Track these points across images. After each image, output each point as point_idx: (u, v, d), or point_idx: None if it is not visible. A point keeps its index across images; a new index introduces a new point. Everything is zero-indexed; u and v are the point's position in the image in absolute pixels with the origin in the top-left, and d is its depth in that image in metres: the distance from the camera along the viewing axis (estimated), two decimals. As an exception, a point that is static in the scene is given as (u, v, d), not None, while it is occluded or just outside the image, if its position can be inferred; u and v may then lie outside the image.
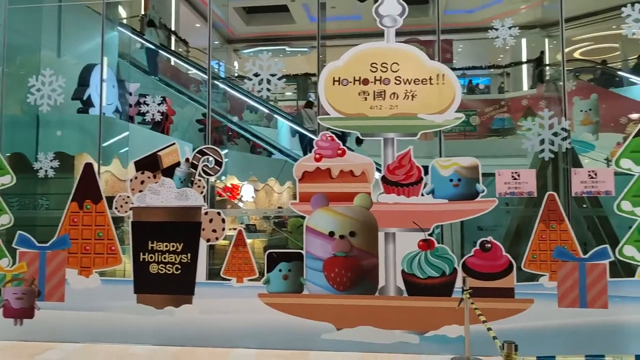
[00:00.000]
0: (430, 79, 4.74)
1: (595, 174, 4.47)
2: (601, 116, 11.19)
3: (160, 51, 10.75)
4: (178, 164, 5.02)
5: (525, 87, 15.89)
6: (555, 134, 4.57)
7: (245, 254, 4.88)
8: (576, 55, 17.55)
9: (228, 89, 11.20)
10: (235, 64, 18.62)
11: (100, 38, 5.65)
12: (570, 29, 16.64)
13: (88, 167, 5.13)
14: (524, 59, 16.41)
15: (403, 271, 4.57)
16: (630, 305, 4.29)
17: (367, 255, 4.58)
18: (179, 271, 4.90)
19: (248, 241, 5.05)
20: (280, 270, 4.73)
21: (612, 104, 11.88)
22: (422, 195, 4.60)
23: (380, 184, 4.67)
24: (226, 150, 9.11)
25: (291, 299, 4.66)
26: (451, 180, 4.58)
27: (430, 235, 4.56)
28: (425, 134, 4.76)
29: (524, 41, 16.57)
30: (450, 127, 4.76)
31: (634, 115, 9.53)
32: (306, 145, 9.29)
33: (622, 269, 4.46)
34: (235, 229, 5.41)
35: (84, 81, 6.55)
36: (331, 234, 4.61)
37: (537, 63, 14.88)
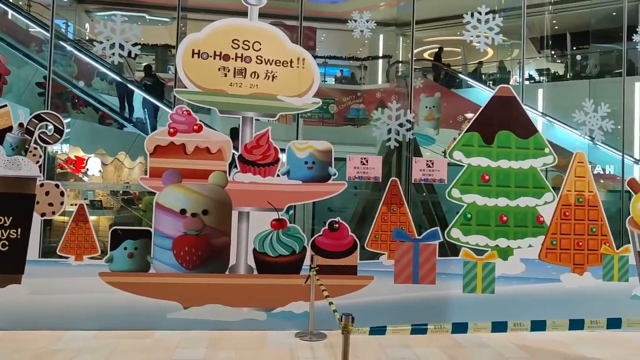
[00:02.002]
0: (291, 61, 4.81)
1: (432, 164, 4.94)
2: (442, 113, 12.34)
3: (-7, 1, 9.41)
4: (10, 129, 4.47)
5: (380, 80, 16.91)
6: (401, 125, 4.93)
7: (87, 231, 4.53)
8: (425, 55, 19.08)
9: (76, 52, 10.20)
10: (87, 26, 17.02)
11: None
12: (422, 31, 18.03)
13: None
14: (381, 54, 17.44)
15: (255, 250, 4.62)
16: (454, 281, 4.84)
17: (219, 233, 4.55)
18: (6, 247, 4.39)
19: (92, 218, 4.69)
20: (125, 249, 4.49)
21: (452, 103, 13.17)
22: (278, 175, 4.68)
23: (237, 162, 4.65)
24: (69, 119, 8.31)
25: (136, 277, 4.45)
26: (306, 162, 4.73)
27: (283, 214, 4.67)
28: (285, 117, 4.83)
29: (381, 37, 17.59)
30: (307, 110, 4.89)
31: (469, 114, 10.69)
32: (122, 95, 8.95)
33: (449, 249, 5.00)
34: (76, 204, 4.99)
35: None
36: (183, 211, 4.48)
37: (390, 59, 15.91)
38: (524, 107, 5.06)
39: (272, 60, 4.77)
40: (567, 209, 4.97)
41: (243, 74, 4.71)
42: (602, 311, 4.69)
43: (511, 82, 15.92)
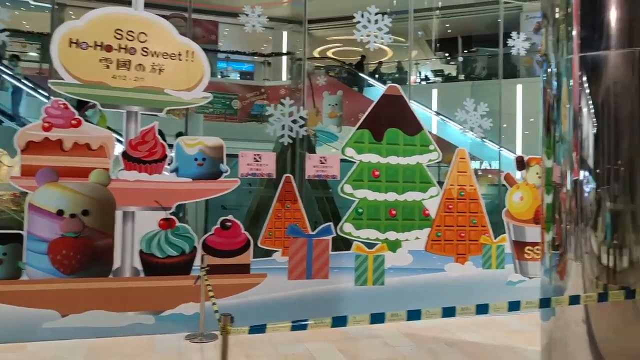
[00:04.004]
0: (180, 54, 4.63)
1: (325, 160, 5.00)
2: (344, 111, 12.59)
3: None
4: None
5: (284, 77, 16.93)
6: (294, 122, 4.94)
7: (-51, 236, 4.07)
8: (329, 54, 19.40)
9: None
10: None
11: None
12: (325, 29, 18.31)
13: None
14: (284, 50, 17.46)
15: (141, 251, 4.41)
16: (346, 274, 4.94)
17: (101, 235, 4.28)
18: None
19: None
20: (-8, 254, 4.09)
21: (353, 101, 13.50)
22: (166, 173, 4.50)
23: (121, 159, 4.40)
24: None
25: (5, 285, 4.07)
26: (196, 159, 4.58)
27: (172, 214, 4.49)
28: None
29: (285, 34, 17.61)
30: (197, 105, 4.75)
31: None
32: None
33: (342, 244, 5.09)
34: None
35: None
36: (60, 212, 4.17)
37: (294, 56, 15.96)
38: (411, 105, 5.26)
39: (159, 52, 4.57)
40: (450, 202, 5.26)
41: (127, 66, 4.47)
42: (482, 297, 5.00)
43: (409, 82, 16.70)
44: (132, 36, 4.49)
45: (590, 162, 3.41)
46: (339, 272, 4.92)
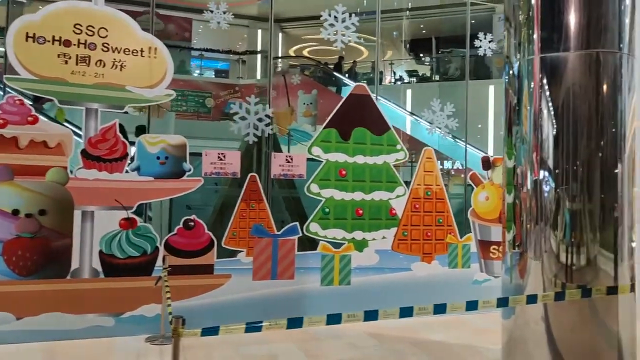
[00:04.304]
0: (142, 50, 4.53)
1: (291, 159, 4.96)
2: (319, 110, 12.57)
3: None
4: None
5: (258, 75, 16.82)
6: (260, 120, 4.88)
7: None
8: (305, 53, 19.35)
9: None
10: None
11: None
12: (301, 28, 18.26)
13: None
14: (259, 49, 17.35)
15: (101, 251, 4.30)
16: (312, 274, 4.91)
17: (58, 235, 4.17)
18: None
19: None
20: (-58, 255, 3.95)
21: (328, 101, 13.47)
22: (127, 171, 4.40)
23: (80, 157, 4.29)
24: None
25: (-45, 288, 3.93)
26: (158, 157, 4.49)
27: (134, 213, 4.40)
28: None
29: (259, 32, 17.50)
30: (160, 102, 4.66)
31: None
32: None
33: (309, 244, 5.06)
34: None
35: None
36: (15, 212, 4.05)
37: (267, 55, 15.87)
38: (378, 104, 5.26)
39: (121, 48, 4.46)
40: (417, 201, 5.27)
41: (87, 61, 4.35)
42: (448, 296, 5.01)
43: (384, 82, 16.76)
44: (92, 31, 4.38)
45: (550, 162, 3.46)
46: (304, 273, 4.89)
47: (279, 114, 13.90)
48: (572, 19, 3.46)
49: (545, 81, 3.54)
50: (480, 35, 5.82)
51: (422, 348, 4.26)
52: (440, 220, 5.34)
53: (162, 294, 4.19)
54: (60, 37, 4.29)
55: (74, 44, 4.33)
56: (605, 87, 3.47)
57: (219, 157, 4.68)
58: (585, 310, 3.41)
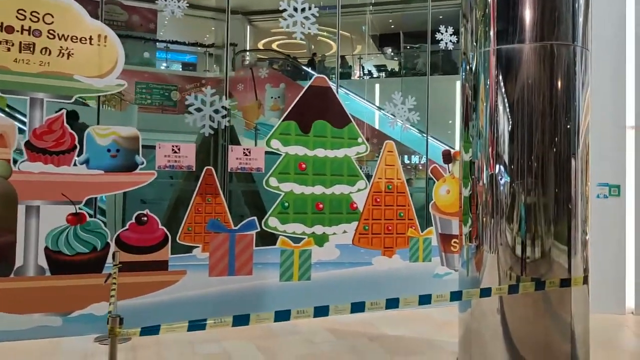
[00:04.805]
0: (91, 38, 4.34)
1: (249, 152, 4.84)
2: (287, 104, 12.42)
3: None
4: None
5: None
6: (217, 112, 4.75)
7: None
8: (274, 46, 19.15)
9: None
10: None
11: None
12: (270, 21, 18.05)
13: None
14: (227, 41, 17.06)
15: (47, 248, 4.11)
16: (271, 270, 4.81)
17: (0, 231, 3.96)
18: None
19: None
20: None
21: (296, 94, 13.30)
22: (75, 165, 4.21)
23: (24, 150, 4.09)
24: None
25: None
26: (109, 150, 4.32)
27: (81, 207, 4.22)
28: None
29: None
30: (110, 93, 4.47)
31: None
32: None
33: (267, 238, 4.95)
34: None
35: None
36: (-47, 206, 3.82)
37: (236, 48, 15.66)
38: (338, 97, 5.18)
39: (68, 35, 4.26)
40: (378, 195, 5.23)
41: (31, 49, 4.14)
42: (409, 290, 4.98)
43: (353, 77, 16.72)
44: (36, 17, 4.17)
45: (506, 156, 3.45)
46: (263, 268, 4.79)
47: (246, 107, 13.73)
48: (527, 11, 3.45)
49: (501, 74, 3.52)
50: (442, 28, 5.80)
51: (379, 343, 4.21)
52: (402, 214, 5.30)
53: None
54: (2, 23, 4.07)
55: (17, 31, 4.11)
56: (559, 80, 3.48)
57: (173, 149, 4.53)
58: (539, 303, 3.42)
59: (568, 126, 3.43)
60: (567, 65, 3.50)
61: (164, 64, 16.96)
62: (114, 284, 3.36)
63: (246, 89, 13.90)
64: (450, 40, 5.78)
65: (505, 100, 3.48)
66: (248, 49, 17.60)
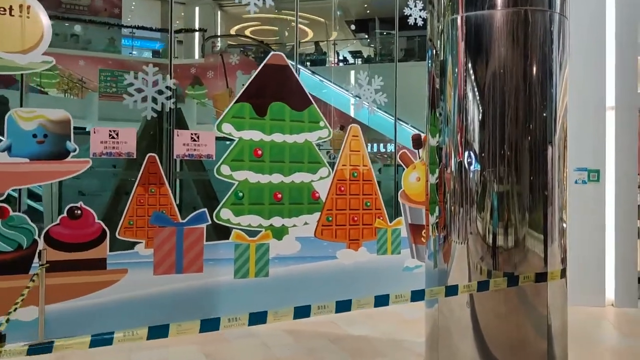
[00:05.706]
0: (11, 9, 3.83)
1: (198, 137, 4.38)
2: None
3: None
4: None
5: (196, 55, 15.99)
6: (160, 92, 4.28)
7: None
8: (247, 32, 18.62)
9: None
10: None
11: None
12: (241, 6, 17.51)
13: None
14: (197, 27, 16.49)
15: (-38, 247, 3.63)
16: (224, 266, 4.39)
17: None
18: None
19: None
20: None
21: (269, 82, 12.79)
22: (-3, 152, 3.72)
23: None
24: None
25: None
26: (35, 135, 3.82)
27: (4, 201, 3.73)
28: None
29: (197, 10, 16.64)
30: (35, 71, 3.97)
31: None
32: None
33: (219, 232, 4.53)
34: None
35: None
36: None
37: (205, 33, 15.13)
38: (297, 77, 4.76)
39: (-16, 5, 3.75)
40: (342, 184, 4.83)
41: (-60, 20, 3.62)
42: (377, 285, 4.59)
43: (328, 64, 16.30)
44: (-54, -16, 3.65)
45: (476, 144, 3.11)
46: (215, 265, 4.35)
47: (216, 96, 13.21)
48: (499, -26, 3.09)
49: (470, 49, 3.15)
50: (410, 2, 5.40)
51: (340, 345, 3.84)
52: (368, 204, 4.92)
53: (39, 295, 3.59)
54: None
55: None
56: (535, 54, 3.12)
57: (110, 134, 4.05)
58: (513, 296, 3.11)
59: (544, 109, 3.10)
60: (543, 34, 3.13)
61: (131, 52, 16.34)
62: (28, 287, 2.91)
63: (216, 76, 13.37)
64: (420, 16, 5.38)
65: (475, 86, 3.13)
66: (219, 34, 17.04)
